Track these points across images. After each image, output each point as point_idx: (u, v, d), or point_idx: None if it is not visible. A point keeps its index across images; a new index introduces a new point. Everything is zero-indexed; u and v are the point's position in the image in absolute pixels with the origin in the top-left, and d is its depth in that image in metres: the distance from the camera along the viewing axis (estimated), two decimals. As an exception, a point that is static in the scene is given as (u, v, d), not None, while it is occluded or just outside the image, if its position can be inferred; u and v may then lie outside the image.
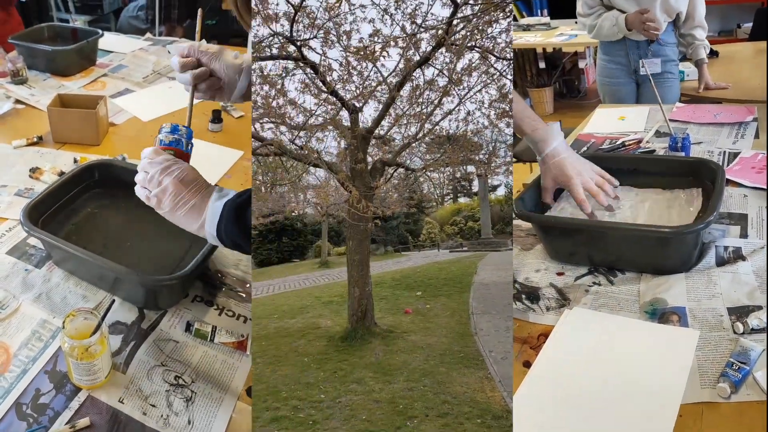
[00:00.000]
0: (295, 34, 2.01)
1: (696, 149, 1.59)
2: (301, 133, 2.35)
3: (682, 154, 1.51)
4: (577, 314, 1.03)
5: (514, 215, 1.17)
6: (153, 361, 1.23)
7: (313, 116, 2.30)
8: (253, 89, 2.15)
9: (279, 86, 2.18)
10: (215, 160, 1.97)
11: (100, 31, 2.71)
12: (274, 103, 2.20)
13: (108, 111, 2.14)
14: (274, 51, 2.07)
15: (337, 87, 2.20)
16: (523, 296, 1.07)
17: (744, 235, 1.18)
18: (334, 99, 2.24)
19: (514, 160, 2.74)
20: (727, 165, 1.48)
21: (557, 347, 0.99)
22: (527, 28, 4.46)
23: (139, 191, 1.14)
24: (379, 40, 2.02)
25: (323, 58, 2.10)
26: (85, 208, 1.59)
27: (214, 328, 1.32)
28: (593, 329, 1.00)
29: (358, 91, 2.25)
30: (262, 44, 2.02)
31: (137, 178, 1.15)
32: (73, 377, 1.14)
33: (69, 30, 2.82)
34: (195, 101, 1.32)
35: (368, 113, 2.39)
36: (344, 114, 2.35)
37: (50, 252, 1.45)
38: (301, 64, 2.13)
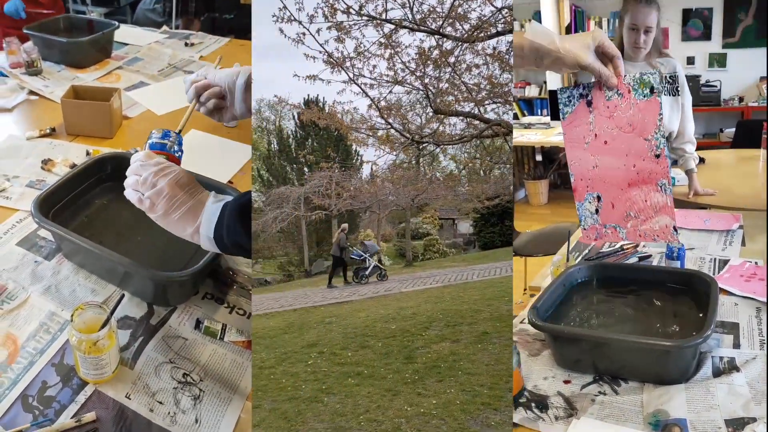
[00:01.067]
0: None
1: (689, 255, 1.69)
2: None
3: (678, 264, 1.60)
4: (585, 425, 1.07)
5: (526, 321, 1.26)
6: (161, 358, 1.24)
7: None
8: (476, 72, 2.15)
9: (504, 63, 2.17)
10: (229, 155, 1.99)
11: (115, 23, 2.76)
12: (496, 82, 2.21)
13: (122, 104, 2.18)
14: (500, 28, 2.07)
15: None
16: (533, 404, 1.13)
17: (737, 344, 1.25)
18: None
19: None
20: (717, 272, 1.59)
21: (567, 459, 1.05)
22: (528, 126, 4.78)
23: (131, 194, 1.12)
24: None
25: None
26: (96, 201, 1.61)
27: (224, 327, 1.34)
28: None
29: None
30: (489, 22, 2.01)
31: (127, 183, 1.13)
32: (80, 371, 1.16)
33: (85, 21, 2.88)
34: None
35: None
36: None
37: (60, 244, 1.48)
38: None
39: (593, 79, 1.20)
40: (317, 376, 2.44)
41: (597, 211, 1.32)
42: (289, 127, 8.30)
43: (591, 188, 1.30)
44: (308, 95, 7.25)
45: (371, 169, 7.28)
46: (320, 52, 4.16)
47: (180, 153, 1.24)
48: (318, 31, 4.03)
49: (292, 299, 4.93)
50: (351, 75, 4.14)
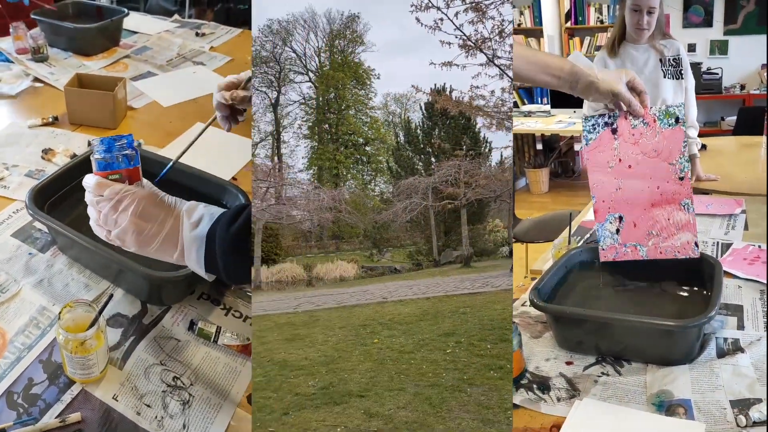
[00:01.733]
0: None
1: None
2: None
3: None
4: (588, 406, 1.08)
5: (529, 304, 1.28)
6: (152, 359, 1.24)
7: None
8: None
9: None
10: (235, 151, 1.98)
11: (125, 10, 2.77)
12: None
13: (127, 94, 2.18)
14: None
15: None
16: (534, 386, 1.15)
17: (741, 326, 1.28)
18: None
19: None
20: (721, 255, 1.63)
21: (569, 440, 1.07)
22: (528, 114, 4.89)
23: (97, 230, 1.05)
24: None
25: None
26: (94, 194, 1.61)
27: (218, 329, 1.33)
28: (604, 422, 1.06)
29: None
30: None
31: (91, 215, 1.05)
32: (67, 370, 1.16)
33: (94, 8, 2.89)
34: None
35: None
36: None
37: (55, 237, 1.48)
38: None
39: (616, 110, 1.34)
40: (457, 365, 2.46)
41: (618, 231, 1.41)
42: (415, 118, 8.50)
43: (613, 209, 1.39)
44: (435, 84, 7.34)
45: (501, 155, 7.28)
46: (456, 37, 4.13)
47: (134, 162, 1.06)
48: (456, 14, 4.02)
49: (424, 287, 4.98)
50: (489, 56, 4.09)
